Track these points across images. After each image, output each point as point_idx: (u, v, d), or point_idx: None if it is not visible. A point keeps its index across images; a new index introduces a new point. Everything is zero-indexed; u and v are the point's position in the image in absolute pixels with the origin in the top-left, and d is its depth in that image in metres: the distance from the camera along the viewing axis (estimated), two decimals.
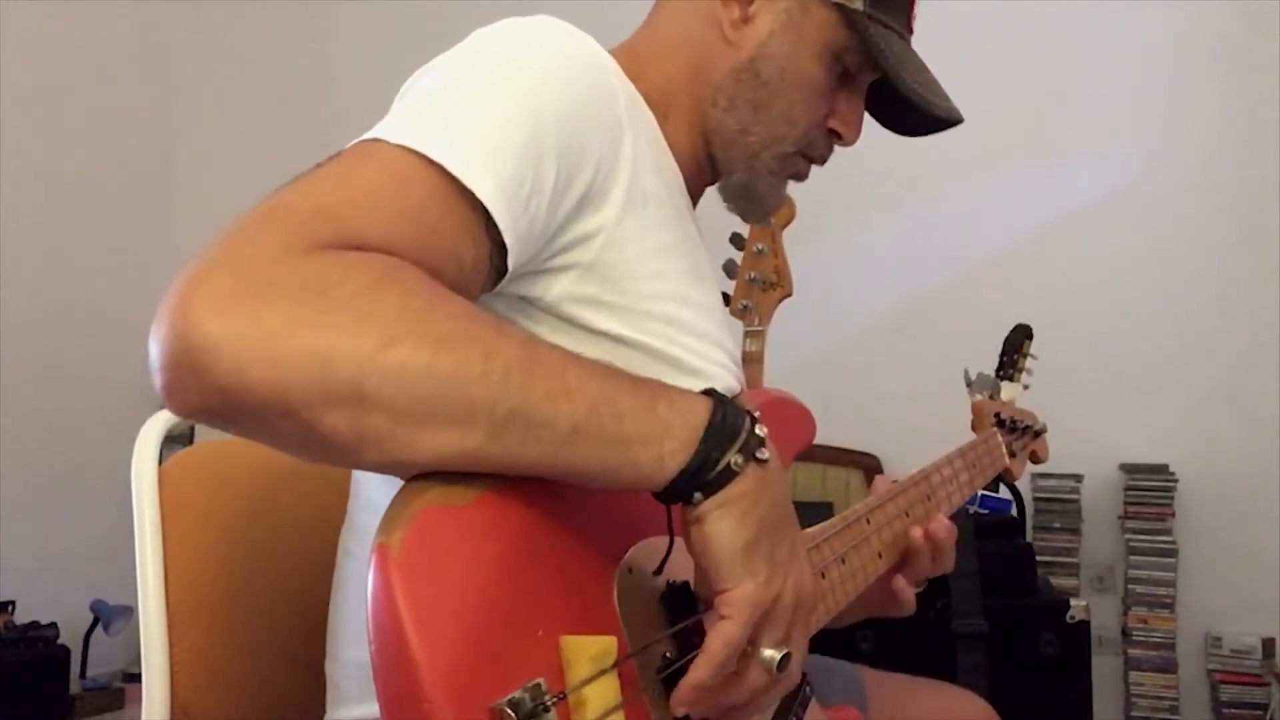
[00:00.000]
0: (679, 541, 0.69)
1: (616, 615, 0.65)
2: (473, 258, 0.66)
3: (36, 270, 3.18)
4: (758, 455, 0.65)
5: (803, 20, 0.89)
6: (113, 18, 3.42)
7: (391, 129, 0.67)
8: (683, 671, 0.67)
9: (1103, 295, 2.94)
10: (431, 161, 0.65)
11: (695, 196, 0.96)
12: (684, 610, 0.69)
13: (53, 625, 2.88)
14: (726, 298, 1.64)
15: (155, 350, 0.54)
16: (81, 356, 3.14)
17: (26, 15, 3.15)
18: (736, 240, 1.64)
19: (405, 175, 0.64)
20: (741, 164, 0.93)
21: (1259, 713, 2.66)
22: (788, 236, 1.64)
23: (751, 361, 1.62)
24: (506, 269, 0.69)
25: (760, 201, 0.97)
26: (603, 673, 0.59)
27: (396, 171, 0.64)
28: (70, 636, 2.95)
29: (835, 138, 0.97)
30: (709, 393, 0.66)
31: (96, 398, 3.12)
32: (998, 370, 1.54)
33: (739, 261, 1.64)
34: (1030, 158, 3.02)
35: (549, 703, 0.56)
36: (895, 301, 3.09)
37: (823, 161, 0.98)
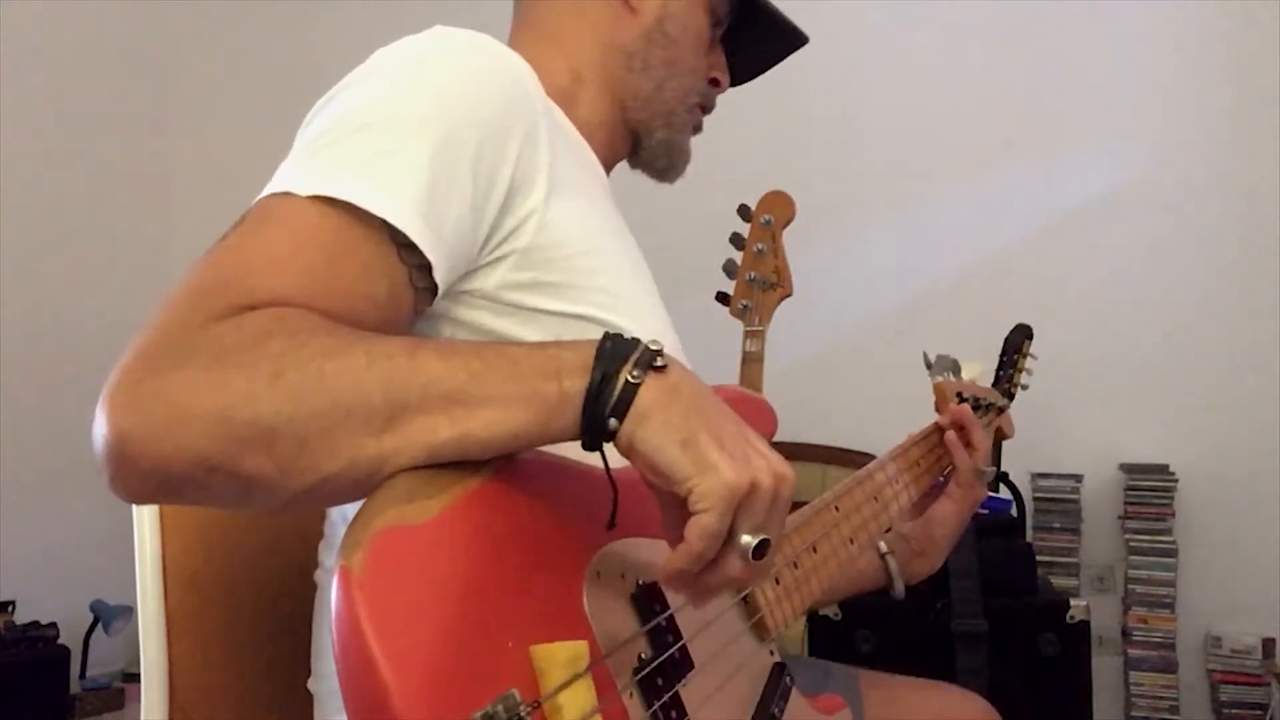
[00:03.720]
0: (659, 543, 0.69)
1: (587, 620, 0.65)
2: (388, 289, 0.69)
3: (36, 271, 3.17)
4: (654, 364, 0.65)
5: None
6: (112, 19, 3.42)
7: (294, 176, 0.69)
8: (660, 670, 0.68)
9: (1103, 295, 2.94)
10: (336, 201, 0.67)
11: (609, 171, 1.02)
12: (655, 609, 0.69)
13: (53, 625, 2.88)
14: (726, 297, 1.64)
15: (95, 450, 0.60)
16: (82, 357, 3.13)
17: (26, 16, 3.15)
18: (736, 240, 1.64)
19: (305, 228, 0.67)
20: (661, 120, 1.01)
21: (1259, 713, 2.66)
22: (788, 236, 1.64)
23: (751, 361, 1.62)
24: (435, 286, 0.72)
25: (681, 155, 1.06)
26: (577, 677, 0.59)
27: (295, 226, 0.67)
28: (70, 636, 2.94)
29: (714, 85, 1.06)
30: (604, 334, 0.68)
31: (97, 398, 3.11)
32: (998, 369, 1.54)
33: (739, 261, 1.64)
34: (1030, 157, 3.02)
35: (523, 712, 0.55)
36: (895, 301, 3.08)
37: (711, 110, 1.07)
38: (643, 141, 1.02)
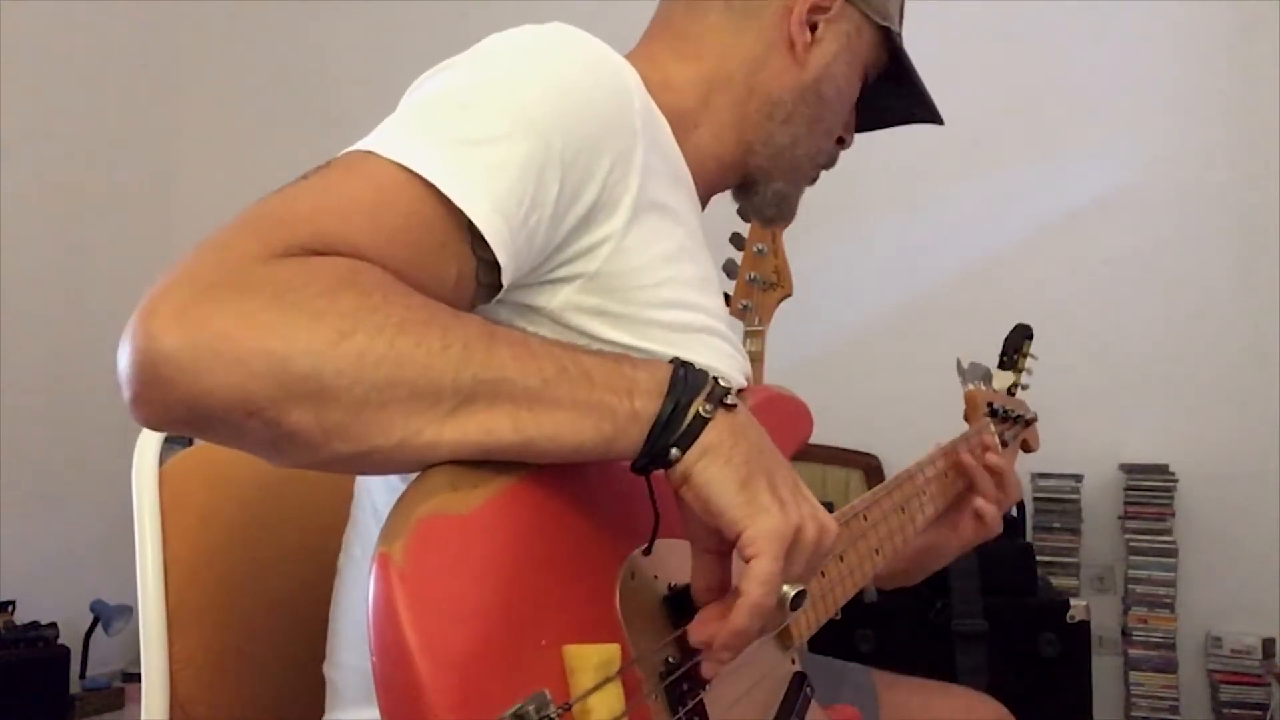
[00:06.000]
0: (681, 544, 0.68)
1: (620, 622, 0.65)
2: (456, 276, 0.67)
3: (37, 271, 3.17)
4: (725, 401, 0.64)
5: (857, 41, 0.96)
6: (113, 20, 3.42)
7: (386, 140, 0.66)
8: (686, 676, 0.67)
9: (1102, 295, 2.94)
10: (422, 178, 0.64)
11: (704, 203, 0.97)
12: (686, 614, 0.69)
13: (53, 625, 2.88)
14: (726, 298, 1.64)
15: (120, 365, 0.55)
16: (82, 357, 3.13)
17: (26, 16, 3.15)
18: (736, 240, 1.64)
19: (390, 191, 0.64)
20: (785, 173, 0.97)
21: (1259, 713, 2.65)
22: (788, 236, 1.64)
23: (751, 361, 1.62)
24: (499, 285, 0.69)
25: (791, 209, 1.03)
26: (607, 681, 0.59)
27: (381, 186, 0.64)
28: (70, 636, 2.94)
29: (840, 144, 1.03)
30: (671, 360, 0.67)
31: (97, 398, 3.11)
32: (998, 368, 1.54)
33: (739, 261, 1.64)
34: (1030, 158, 3.02)
35: (553, 714, 0.55)
36: (895, 302, 3.09)
37: (832, 166, 1.05)
38: (758, 188, 0.98)
